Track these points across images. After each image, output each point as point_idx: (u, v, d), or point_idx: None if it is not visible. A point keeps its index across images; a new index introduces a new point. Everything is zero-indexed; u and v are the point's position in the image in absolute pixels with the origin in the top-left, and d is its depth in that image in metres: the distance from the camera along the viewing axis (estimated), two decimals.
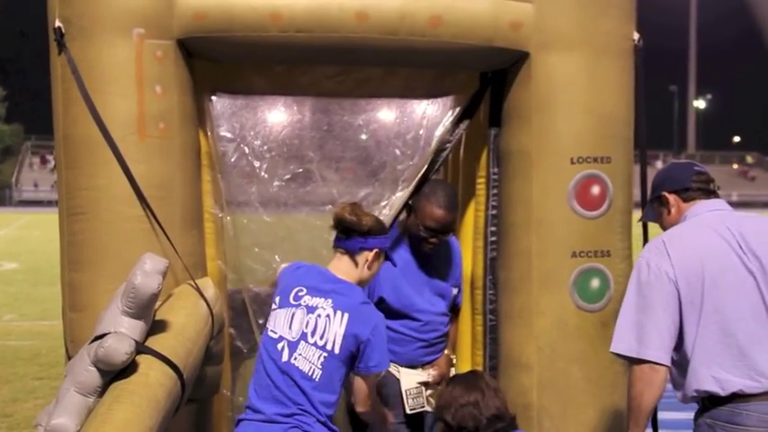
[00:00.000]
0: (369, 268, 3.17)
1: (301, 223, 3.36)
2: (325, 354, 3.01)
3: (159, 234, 3.32)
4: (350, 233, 3.13)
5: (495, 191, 3.98)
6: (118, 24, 3.36)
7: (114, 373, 2.64)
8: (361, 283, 3.19)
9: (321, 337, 3.02)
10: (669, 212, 3.09)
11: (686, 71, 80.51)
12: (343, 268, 3.16)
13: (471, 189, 4.20)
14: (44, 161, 54.83)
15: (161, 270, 2.82)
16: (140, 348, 2.71)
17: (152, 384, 2.63)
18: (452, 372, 4.04)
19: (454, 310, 4.15)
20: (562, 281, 3.68)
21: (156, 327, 2.91)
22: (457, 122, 4.07)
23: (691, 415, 3.00)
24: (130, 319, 2.73)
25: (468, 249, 4.19)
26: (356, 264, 3.15)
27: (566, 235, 3.71)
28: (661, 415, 3.73)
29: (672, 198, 3.08)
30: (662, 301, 2.79)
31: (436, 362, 4.02)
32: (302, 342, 3.04)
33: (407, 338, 3.89)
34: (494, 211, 3.98)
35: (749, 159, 70.98)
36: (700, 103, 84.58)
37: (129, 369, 2.64)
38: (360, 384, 3.16)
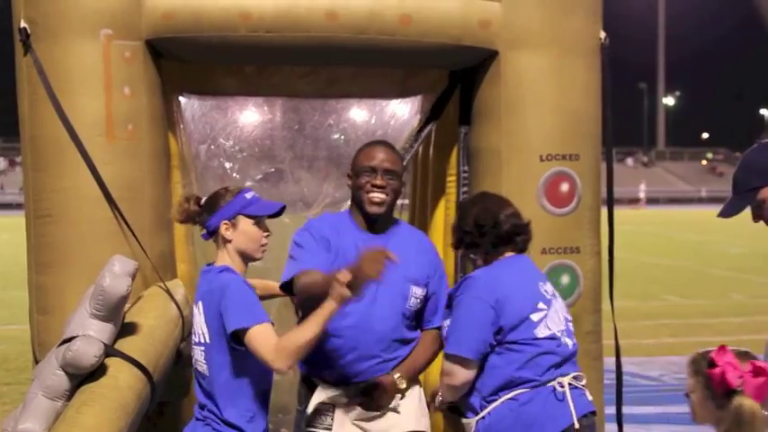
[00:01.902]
0: (230, 240, 2.89)
1: (272, 223, 3.32)
2: (202, 348, 2.84)
3: (128, 236, 3.30)
4: (198, 224, 3.01)
5: (466, 188, 4.00)
6: (85, 25, 3.34)
7: (83, 377, 2.62)
8: (243, 255, 2.91)
9: (196, 335, 2.87)
10: None
11: (655, 69, 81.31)
12: (218, 255, 2.96)
13: (441, 187, 4.22)
14: (12, 163, 54.11)
15: (130, 272, 2.80)
16: (109, 351, 2.70)
17: (121, 387, 2.62)
18: (399, 404, 3.11)
19: (426, 328, 3.24)
20: None
21: (126, 329, 2.90)
22: (426, 121, 4.08)
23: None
24: (99, 321, 2.71)
25: (439, 247, 4.20)
26: (219, 245, 2.94)
27: (536, 232, 3.69)
28: (629, 409, 3.77)
29: None
30: None
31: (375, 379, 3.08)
32: (194, 347, 2.90)
33: (337, 346, 3.05)
34: None
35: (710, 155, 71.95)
36: (669, 101, 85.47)
37: (97, 372, 2.63)
38: (252, 347, 2.69)
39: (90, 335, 2.65)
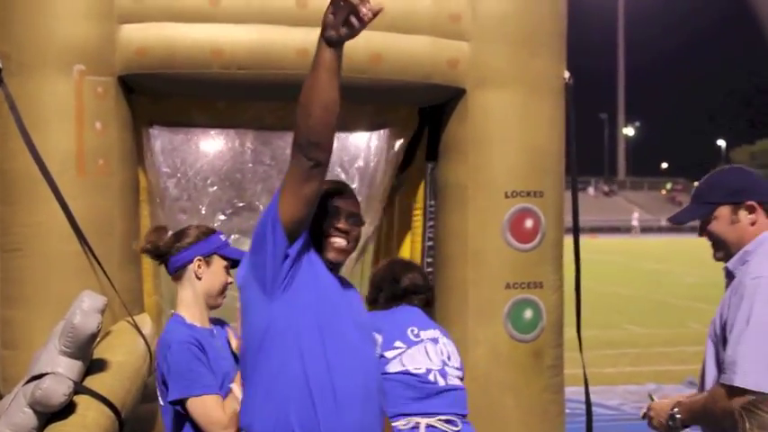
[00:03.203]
0: (200, 278, 2.82)
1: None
2: (161, 409, 2.76)
3: (97, 270, 3.30)
4: (161, 257, 2.91)
5: (432, 223, 4.07)
6: (58, 60, 3.37)
7: (50, 414, 2.62)
8: (207, 298, 2.83)
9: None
10: (753, 224, 2.60)
11: (615, 99, 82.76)
12: (179, 295, 2.86)
13: (407, 221, 4.29)
14: None
15: (99, 308, 2.81)
16: (78, 389, 2.70)
17: (89, 425, 2.62)
18: None
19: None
20: (496, 312, 3.79)
21: (95, 366, 2.90)
22: (403, 157, 4.16)
23: None
24: (68, 358, 2.71)
25: None
26: (181, 284, 2.85)
27: (500, 267, 3.82)
28: None
29: (760, 210, 2.61)
30: None
31: None
32: None
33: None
34: (430, 243, 4.07)
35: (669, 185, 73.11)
36: (629, 131, 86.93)
37: (66, 410, 2.63)
38: (199, 420, 2.62)
39: (59, 372, 2.64)
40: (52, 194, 3.28)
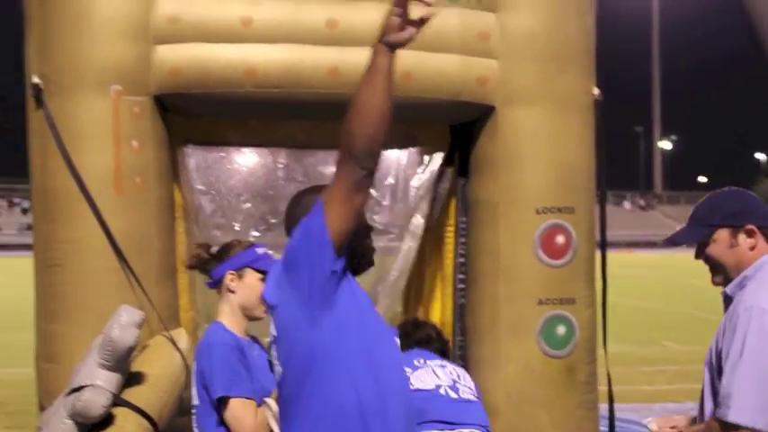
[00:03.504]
0: (234, 291, 2.92)
1: None
2: (193, 411, 2.83)
3: (135, 286, 3.38)
4: (206, 272, 3.02)
5: (464, 239, 4.10)
6: (96, 81, 3.46)
7: (90, 426, 2.68)
8: (244, 310, 2.91)
9: (191, 396, 2.84)
10: (752, 248, 2.55)
11: (651, 112, 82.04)
12: (219, 308, 2.96)
13: (440, 237, 4.31)
14: (11, 204, 54.19)
15: (137, 323, 2.88)
16: (117, 401, 2.77)
17: None
18: None
19: None
20: (529, 327, 3.79)
21: (133, 378, 2.96)
22: (439, 174, 4.19)
23: None
24: (107, 371, 2.78)
25: (437, 296, 4.29)
26: (221, 297, 2.95)
27: (532, 283, 3.83)
28: None
29: (759, 234, 2.56)
30: None
31: None
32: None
33: None
34: (462, 259, 4.09)
35: None
36: (665, 144, 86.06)
37: (105, 421, 2.69)
38: (228, 420, 2.69)
39: (98, 385, 2.71)
40: (91, 212, 3.36)
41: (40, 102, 3.47)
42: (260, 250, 2.96)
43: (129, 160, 3.47)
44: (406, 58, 3.69)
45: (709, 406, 2.51)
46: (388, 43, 2.08)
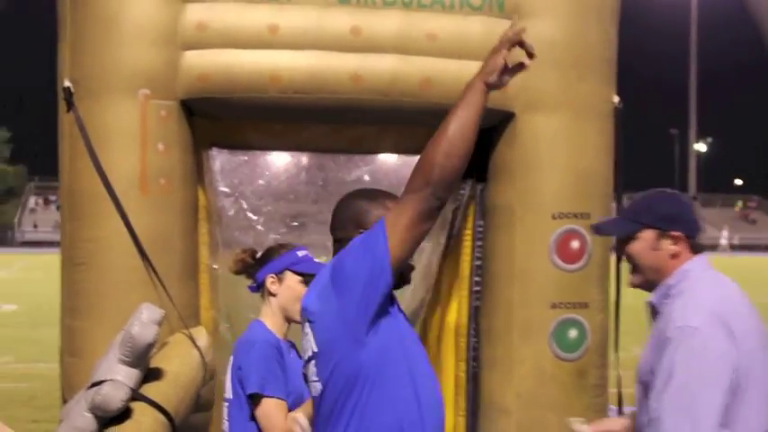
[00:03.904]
0: (275, 294, 2.98)
1: None
2: (226, 404, 2.89)
3: (157, 284, 3.48)
4: (250, 276, 3.09)
5: (480, 243, 4.16)
6: (124, 85, 3.57)
7: (109, 419, 2.78)
8: (285, 313, 2.97)
9: (225, 390, 2.91)
10: (674, 256, 2.48)
11: (687, 114, 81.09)
12: (262, 309, 3.03)
13: (459, 240, 4.37)
14: (47, 202, 55.07)
15: (157, 320, 2.97)
16: (135, 395, 2.86)
17: (144, 431, 2.77)
18: None
19: None
20: (542, 330, 3.84)
21: (151, 374, 3.06)
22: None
23: None
24: (127, 367, 2.88)
25: (453, 298, 4.35)
26: (264, 299, 3.02)
27: (546, 286, 3.88)
28: None
29: (684, 243, 2.48)
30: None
31: None
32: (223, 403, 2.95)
33: None
34: (478, 262, 4.15)
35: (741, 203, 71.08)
36: (701, 147, 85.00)
37: (123, 415, 2.79)
38: (258, 419, 2.76)
39: (118, 380, 2.81)
40: (116, 211, 3.47)
41: (70, 104, 3.58)
42: (301, 253, 3.01)
43: (154, 162, 3.57)
44: (428, 65, 3.77)
45: (640, 420, 2.43)
46: (487, 83, 2.17)
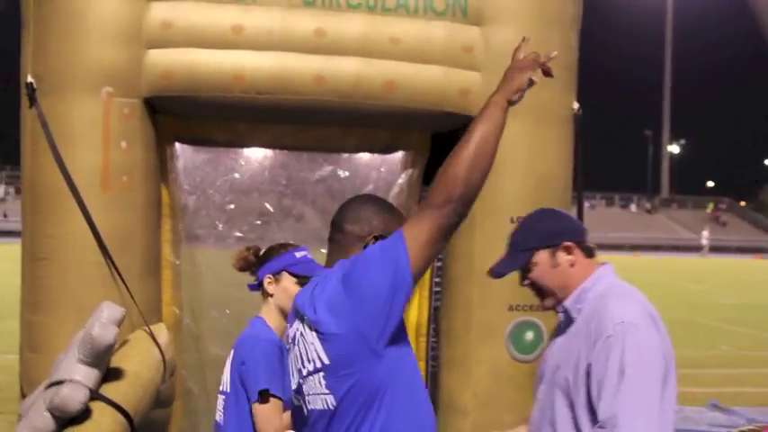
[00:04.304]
0: (272, 294, 2.98)
1: None
2: (222, 397, 2.88)
3: (118, 280, 3.50)
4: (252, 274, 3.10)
5: None
6: (88, 82, 3.58)
7: (68, 419, 2.80)
8: (282, 312, 2.95)
9: (222, 383, 2.89)
10: (572, 265, 2.51)
11: (660, 116, 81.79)
12: (262, 307, 3.03)
13: None
14: (18, 191, 54.37)
15: (118, 320, 2.99)
16: (94, 396, 2.88)
17: (104, 431, 2.79)
18: None
19: None
20: (499, 332, 3.91)
21: (111, 374, 3.08)
22: (420, 181, 4.31)
23: None
24: (86, 366, 2.90)
25: (414, 299, 4.41)
26: (264, 298, 3.02)
27: (504, 289, 3.93)
28: None
29: (577, 250, 2.52)
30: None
31: None
32: (218, 395, 2.92)
33: None
34: (439, 263, 4.21)
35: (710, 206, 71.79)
36: (674, 148, 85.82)
37: (82, 415, 2.81)
38: (255, 415, 2.77)
39: (77, 380, 2.83)
40: (77, 208, 3.48)
41: (33, 100, 3.59)
42: (299, 254, 3.00)
43: (117, 160, 3.59)
44: (392, 68, 3.82)
45: (564, 428, 2.41)
46: (510, 102, 2.23)
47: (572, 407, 2.40)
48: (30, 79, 3.59)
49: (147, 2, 3.65)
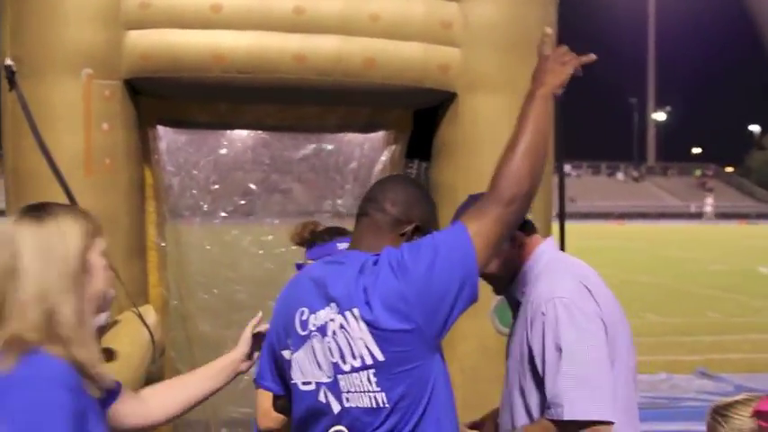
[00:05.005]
0: None
1: (243, 252, 3.58)
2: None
3: None
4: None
5: None
6: (68, 64, 3.57)
7: None
8: None
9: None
10: (521, 246, 2.54)
11: (645, 83, 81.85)
12: None
13: None
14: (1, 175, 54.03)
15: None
16: None
17: None
18: None
19: None
20: (483, 307, 3.93)
21: (102, 354, 3.11)
22: (402, 158, 4.33)
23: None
24: None
25: None
26: None
27: None
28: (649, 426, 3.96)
29: (518, 232, 2.51)
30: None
31: None
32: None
33: None
34: None
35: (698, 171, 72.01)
36: (659, 116, 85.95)
37: None
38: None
39: None
40: (61, 191, 3.49)
41: (12, 83, 3.58)
42: (341, 246, 2.90)
43: (99, 142, 3.59)
44: (371, 45, 3.83)
45: (520, 408, 2.43)
46: (555, 95, 2.24)
47: (522, 392, 2.42)
48: (8, 62, 3.58)
49: None
